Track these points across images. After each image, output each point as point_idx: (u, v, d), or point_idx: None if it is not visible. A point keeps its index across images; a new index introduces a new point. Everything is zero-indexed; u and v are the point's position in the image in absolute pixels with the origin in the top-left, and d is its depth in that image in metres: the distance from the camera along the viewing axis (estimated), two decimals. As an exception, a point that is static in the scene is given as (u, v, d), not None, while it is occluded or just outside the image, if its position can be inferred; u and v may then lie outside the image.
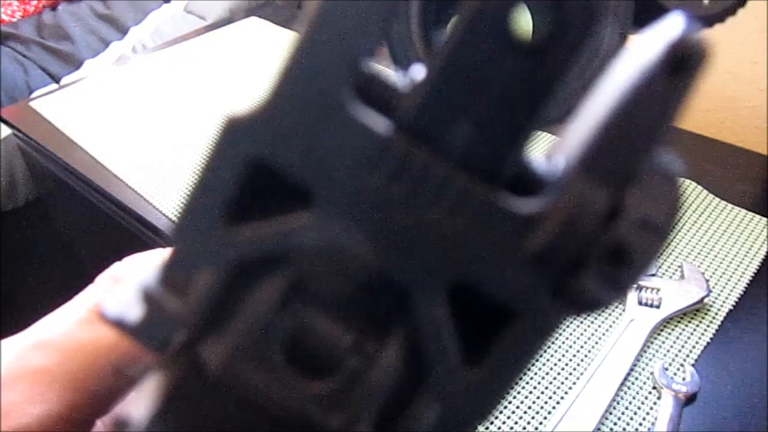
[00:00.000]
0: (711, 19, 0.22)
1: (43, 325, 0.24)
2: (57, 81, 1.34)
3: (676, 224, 0.14)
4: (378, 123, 0.14)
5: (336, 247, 0.15)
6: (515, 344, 0.15)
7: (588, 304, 0.14)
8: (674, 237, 0.68)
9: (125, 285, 0.17)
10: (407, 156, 0.14)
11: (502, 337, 0.15)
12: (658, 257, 0.14)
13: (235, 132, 0.14)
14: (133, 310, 0.16)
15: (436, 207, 0.14)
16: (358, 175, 0.14)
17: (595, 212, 0.14)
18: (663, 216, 0.14)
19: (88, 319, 0.23)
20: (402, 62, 0.23)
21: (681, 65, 0.13)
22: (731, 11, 0.22)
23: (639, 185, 0.14)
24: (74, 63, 1.38)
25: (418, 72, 0.14)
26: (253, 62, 1.04)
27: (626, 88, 0.13)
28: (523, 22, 0.13)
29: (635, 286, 0.14)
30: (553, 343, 0.59)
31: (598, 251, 0.14)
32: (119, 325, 0.16)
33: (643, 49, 0.13)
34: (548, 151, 0.15)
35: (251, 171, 0.15)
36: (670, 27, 0.13)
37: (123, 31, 1.44)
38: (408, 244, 0.14)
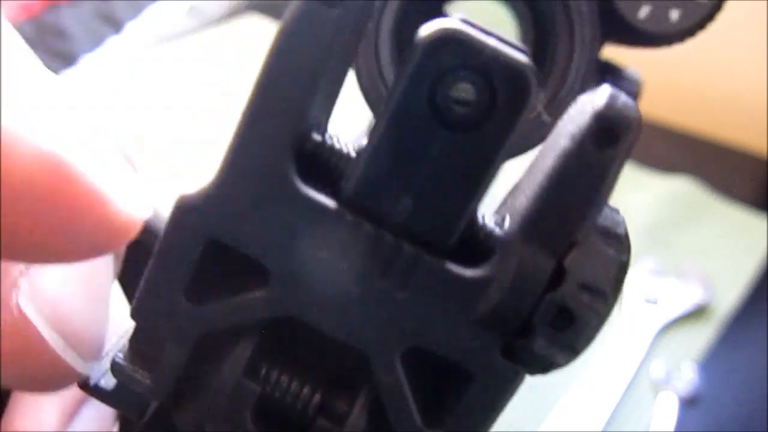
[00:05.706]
0: (681, 35, 0.23)
1: None
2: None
3: (621, 286, 0.14)
4: (323, 197, 0.14)
5: (294, 318, 0.15)
6: (473, 404, 0.15)
7: (540, 365, 0.15)
8: (674, 237, 0.68)
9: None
10: (355, 229, 0.14)
11: (460, 398, 0.15)
12: (606, 319, 0.14)
13: (187, 211, 0.15)
14: (109, 380, 0.17)
15: (385, 277, 0.14)
16: (308, 249, 0.15)
17: (539, 276, 0.14)
18: (606, 279, 0.14)
19: None
20: (373, 99, 0.23)
21: (608, 137, 0.13)
22: (701, 25, 0.22)
23: (580, 249, 0.14)
24: (71, 59, 1.38)
25: (361, 143, 0.15)
26: (255, 60, 1.02)
27: (560, 157, 0.13)
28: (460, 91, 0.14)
29: (586, 348, 0.15)
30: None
31: (543, 314, 0.14)
32: (98, 393, 0.17)
33: (574, 119, 0.13)
34: (494, 213, 0.15)
35: (207, 248, 0.15)
36: (598, 98, 0.13)
37: (119, 25, 1.44)
38: (361, 313, 0.15)
